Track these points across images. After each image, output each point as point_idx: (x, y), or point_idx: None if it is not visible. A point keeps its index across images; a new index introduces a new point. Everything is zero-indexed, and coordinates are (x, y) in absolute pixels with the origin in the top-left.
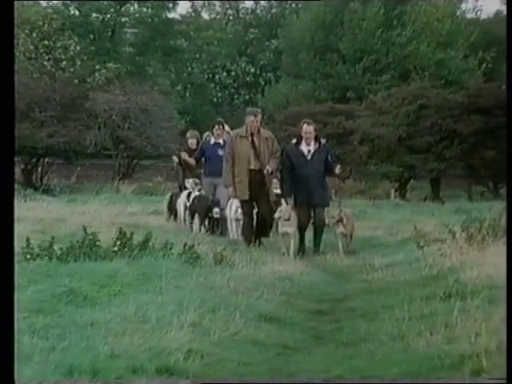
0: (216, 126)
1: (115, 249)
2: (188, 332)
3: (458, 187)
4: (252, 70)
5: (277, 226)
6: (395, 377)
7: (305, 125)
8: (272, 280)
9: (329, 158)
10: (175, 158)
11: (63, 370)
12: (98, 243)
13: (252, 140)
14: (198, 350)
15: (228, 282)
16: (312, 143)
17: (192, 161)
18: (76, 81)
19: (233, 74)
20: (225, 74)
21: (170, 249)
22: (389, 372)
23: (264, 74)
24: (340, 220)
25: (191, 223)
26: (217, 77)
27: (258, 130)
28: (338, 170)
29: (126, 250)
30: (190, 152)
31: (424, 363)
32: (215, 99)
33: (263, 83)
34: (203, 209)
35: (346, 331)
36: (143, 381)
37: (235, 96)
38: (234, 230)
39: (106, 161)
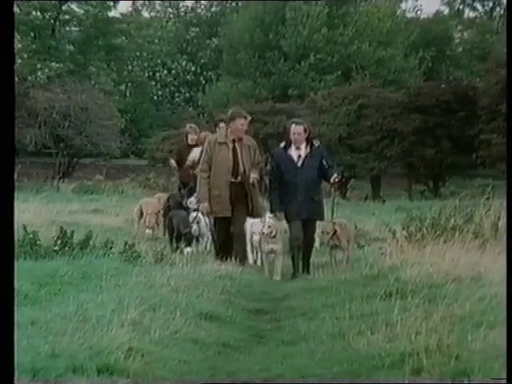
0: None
1: (56, 248)
2: (128, 331)
3: (398, 186)
4: (192, 69)
5: (260, 243)
6: (336, 376)
7: (293, 125)
8: (212, 279)
9: (323, 162)
10: (173, 162)
11: None
12: (38, 242)
13: (234, 147)
14: (139, 348)
15: (168, 280)
16: (303, 147)
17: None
18: (16, 79)
19: (173, 72)
20: (165, 72)
21: (111, 248)
22: (329, 371)
23: (204, 73)
24: (334, 233)
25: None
26: (157, 75)
27: (241, 137)
28: (333, 179)
29: (66, 249)
30: (188, 150)
31: (364, 362)
32: (156, 97)
33: (204, 82)
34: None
35: (286, 330)
36: (83, 380)
37: (176, 94)
38: None
39: (46, 159)
